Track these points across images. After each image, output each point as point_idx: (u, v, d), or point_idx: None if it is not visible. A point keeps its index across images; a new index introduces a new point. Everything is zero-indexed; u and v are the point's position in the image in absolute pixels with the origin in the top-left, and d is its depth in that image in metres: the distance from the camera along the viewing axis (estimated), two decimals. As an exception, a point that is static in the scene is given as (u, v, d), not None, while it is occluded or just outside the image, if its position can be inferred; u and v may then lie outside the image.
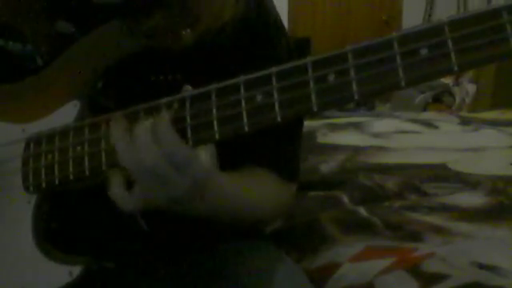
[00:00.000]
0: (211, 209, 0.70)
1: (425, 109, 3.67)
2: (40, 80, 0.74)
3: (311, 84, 0.53)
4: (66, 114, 0.70)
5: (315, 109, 0.53)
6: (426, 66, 0.48)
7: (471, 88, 3.74)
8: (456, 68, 0.47)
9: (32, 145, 0.71)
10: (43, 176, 0.70)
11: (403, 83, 0.49)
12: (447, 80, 3.80)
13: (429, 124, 2.16)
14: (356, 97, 0.51)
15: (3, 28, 0.78)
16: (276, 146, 0.80)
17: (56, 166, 0.68)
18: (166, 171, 0.59)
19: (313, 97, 0.53)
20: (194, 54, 0.72)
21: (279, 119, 0.55)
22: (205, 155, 0.62)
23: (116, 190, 0.63)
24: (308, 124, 2.05)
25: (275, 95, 0.55)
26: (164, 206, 0.64)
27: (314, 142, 1.88)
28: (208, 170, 0.62)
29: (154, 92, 0.63)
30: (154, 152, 0.59)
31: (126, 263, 0.79)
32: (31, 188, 0.71)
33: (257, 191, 0.79)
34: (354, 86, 0.51)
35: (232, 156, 0.77)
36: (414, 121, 2.20)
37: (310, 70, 0.53)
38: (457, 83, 3.81)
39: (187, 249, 0.81)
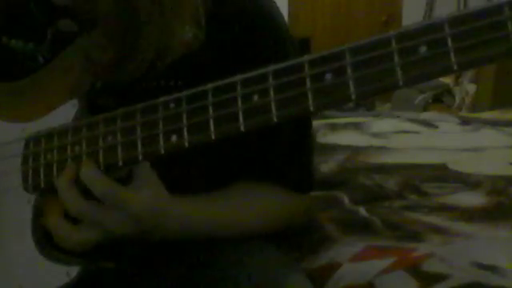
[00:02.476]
0: (180, 234, 0.73)
1: (425, 109, 3.66)
2: (40, 79, 0.74)
3: (308, 83, 0.52)
4: (65, 113, 0.70)
5: (312, 109, 0.52)
6: (424, 64, 0.47)
7: (471, 88, 3.73)
8: (456, 67, 0.46)
9: (31, 144, 0.71)
10: (42, 175, 0.70)
11: (401, 82, 0.48)
12: (447, 80, 3.79)
13: (429, 124, 2.16)
14: (353, 97, 0.50)
15: (5, 25, 0.78)
16: (281, 158, 0.80)
17: (55, 166, 0.68)
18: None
19: (309, 97, 0.52)
20: (195, 61, 0.71)
21: (275, 119, 0.54)
22: (147, 191, 0.66)
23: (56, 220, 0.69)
24: (308, 124, 2.05)
25: (271, 95, 0.54)
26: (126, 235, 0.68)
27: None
28: (147, 205, 0.66)
29: (153, 94, 0.63)
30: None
31: (124, 264, 0.79)
32: (30, 187, 0.71)
33: (245, 211, 0.79)
34: (352, 86, 0.50)
35: (228, 172, 0.77)
36: (414, 121, 2.20)
37: (306, 69, 0.53)
38: (457, 83, 3.80)
39: (187, 249, 0.81)
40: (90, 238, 0.67)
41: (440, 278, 0.93)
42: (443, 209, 1.27)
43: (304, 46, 4.10)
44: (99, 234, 0.67)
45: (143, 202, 0.66)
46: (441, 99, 3.82)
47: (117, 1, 0.65)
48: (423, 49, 0.47)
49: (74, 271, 0.68)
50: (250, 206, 0.80)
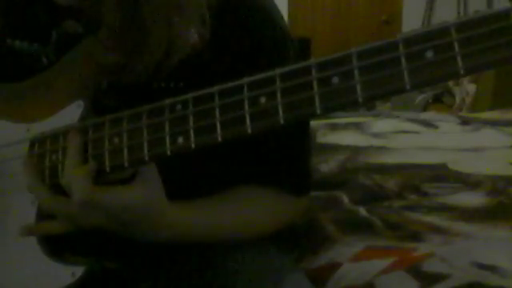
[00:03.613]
0: (171, 239, 0.73)
1: (425, 109, 3.66)
2: (45, 80, 0.74)
3: (315, 86, 0.53)
4: (71, 114, 0.70)
5: (319, 111, 0.52)
6: (431, 69, 0.47)
7: (471, 88, 3.74)
8: (462, 72, 0.46)
9: (36, 145, 0.71)
10: (47, 176, 0.70)
11: (408, 86, 0.48)
12: (447, 80, 3.79)
13: (429, 124, 2.16)
14: (360, 100, 0.50)
15: (10, 27, 0.78)
16: (278, 161, 0.80)
17: (60, 167, 0.68)
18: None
19: (316, 99, 0.52)
20: (197, 61, 0.71)
21: (282, 121, 0.54)
22: (143, 189, 0.66)
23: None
24: (308, 124, 2.05)
25: (279, 97, 0.54)
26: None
27: (314, 142, 1.88)
28: (138, 201, 0.66)
29: (157, 96, 0.63)
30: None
31: (128, 264, 0.80)
32: None
33: (242, 215, 0.79)
34: (359, 90, 0.50)
35: (225, 175, 0.77)
36: (414, 121, 2.20)
37: (313, 73, 0.53)
38: (457, 83, 3.81)
39: (188, 250, 0.81)
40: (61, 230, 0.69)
41: (440, 277, 0.93)
42: (443, 209, 1.27)
43: (304, 45, 4.10)
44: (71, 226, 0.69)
45: (135, 198, 0.66)
46: (441, 99, 3.82)
47: (121, 1, 0.65)
48: (430, 53, 0.47)
49: (79, 272, 0.68)
50: (248, 210, 0.80)
